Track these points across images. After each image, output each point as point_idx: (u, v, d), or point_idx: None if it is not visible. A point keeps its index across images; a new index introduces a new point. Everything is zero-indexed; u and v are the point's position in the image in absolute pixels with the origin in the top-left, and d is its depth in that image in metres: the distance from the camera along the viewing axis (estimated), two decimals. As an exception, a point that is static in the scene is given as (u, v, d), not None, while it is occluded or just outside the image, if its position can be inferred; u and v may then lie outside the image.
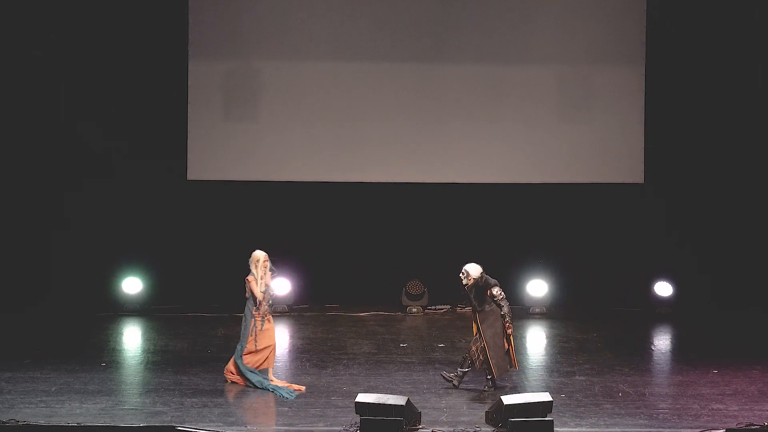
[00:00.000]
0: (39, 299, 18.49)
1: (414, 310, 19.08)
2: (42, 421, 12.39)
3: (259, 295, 14.29)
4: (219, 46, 18.87)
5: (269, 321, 14.44)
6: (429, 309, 19.25)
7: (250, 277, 14.36)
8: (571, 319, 18.62)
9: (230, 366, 14.40)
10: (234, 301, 18.40)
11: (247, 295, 14.38)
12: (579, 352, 16.33)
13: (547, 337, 17.69)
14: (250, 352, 14.29)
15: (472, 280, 14.19)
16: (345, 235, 19.20)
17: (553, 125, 19.18)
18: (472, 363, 14.24)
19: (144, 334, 17.54)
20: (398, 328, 18.06)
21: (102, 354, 15.95)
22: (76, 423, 12.36)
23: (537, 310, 19.11)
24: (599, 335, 17.48)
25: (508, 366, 14.26)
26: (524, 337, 17.69)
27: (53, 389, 13.84)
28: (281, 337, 17.66)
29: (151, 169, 18.94)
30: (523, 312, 19.10)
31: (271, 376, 14.36)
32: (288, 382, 14.35)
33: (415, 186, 19.22)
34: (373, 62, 19.03)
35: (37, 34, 18.60)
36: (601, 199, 19.34)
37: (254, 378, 14.17)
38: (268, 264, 14.42)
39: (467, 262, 14.33)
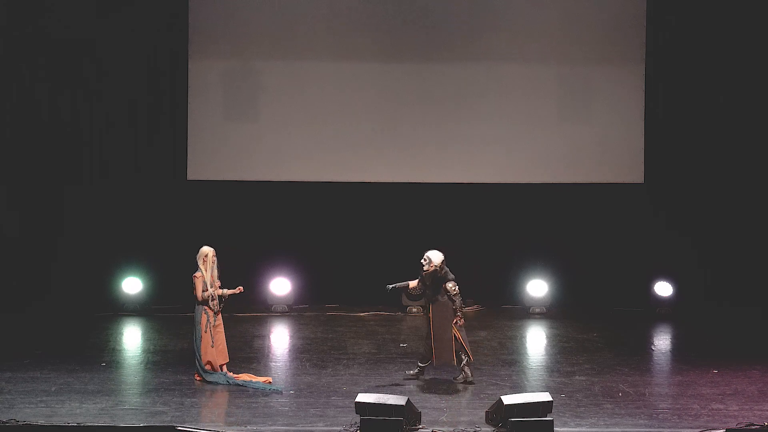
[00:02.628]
0: (39, 299, 18.50)
1: (414, 310, 19.08)
2: (42, 421, 12.39)
3: (199, 296, 14.29)
4: (219, 46, 18.88)
5: (219, 316, 14.47)
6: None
7: (197, 274, 14.35)
8: (571, 319, 18.62)
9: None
10: (233, 301, 18.46)
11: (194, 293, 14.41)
12: (579, 352, 16.33)
13: (547, 337, 17.69)
14: (208, 352, 14.30)
15: (432, 267, 14.39)
16: (345, 235, 19.20)
17: (553, 125, 19.19)
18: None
19: (144, 334, 17.54)
20: (398, 328, 18.06)
21: (102, 354, 15.95)
22: (76, 423, 12.35)
23: (537, 310, 19.11)
24: (599, 335, 17.48)
25: (450, 359, 14.39)
26: (524, 337, 17.70)
27: (53, 389, 13.84)
28: (281, 337, 17.69)
29: (151, 169, 18.95)
30: (523, 312, 19.12)
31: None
32: (251, 375, 14.42)
33: (415, 186, 19.23)
34: (373, 62, 19.04)
35: (37, 33, 18.60)
36: (601, 199, 19.35)
37: (221, 379, 14.21)
38: (216, 260, 14.43)
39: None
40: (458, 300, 14.38)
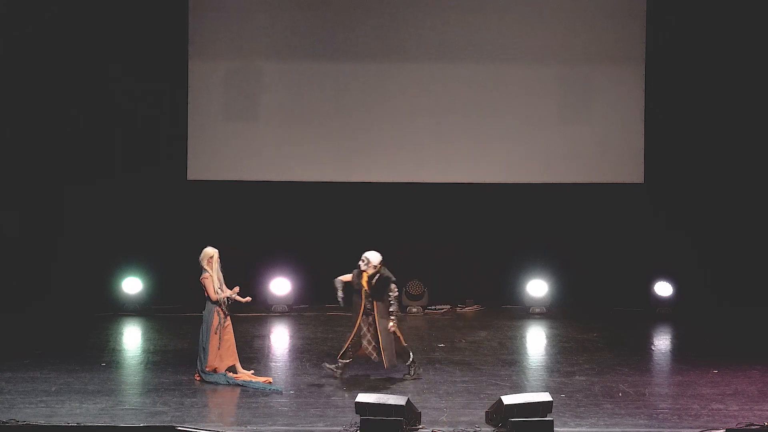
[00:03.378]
0: (39, 299, 18.50)
1: (414, 310, 19.09)
2: (42, 421, 12.38)
3: (213, 296, 14.28)
4: (219, 46, 18.87)
5: (228, 317, 14.47)
6: (429, 309, 19.26)
7: (206, 275, 14.32)
8: (571, 319, 18.62)
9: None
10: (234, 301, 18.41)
11: (206, 294, 14.38)
12: (579, 352, 16.33)
13: (547, 337, 17.69)
14: (213, 353, 14.28)
15: (373, 268, 14.39)
16: (345, 235, 19.19)
17: (553, 125, 19.19)
18: (357, 356, 14.54)
19: (144, 334, 17.54)
20: (398, 328, 18.01)
21: (102, 354, 15.95)
22: (76, 423, 12.35)
23: (537, 310, 19.11)
24: (599, 335, 17.48)
25: (395, 360, 14.44)
26: (524, 337, 17.70)
27: (53, 389, 13.84)
28: (281, 337, 17.69)
29: (151, 169, 18.95)
30: (523, 312, 19.12)
31: (239, 369, 14.44)
32: (251, 374, 14.42)
33: (415, 186, 19.23)
34: (373, 62, 19.04)
35: (36, 31, 18.60)
36: (601, 199, 19.35)
37: (221, 379, 14.20)
38: (219, 261, 14.43)
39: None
40: (396, 304, 14.40)
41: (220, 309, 14.35)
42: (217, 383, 14.16)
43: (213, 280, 14.30)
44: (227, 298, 14.36)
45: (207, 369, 14.29)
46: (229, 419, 12.94)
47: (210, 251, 14.41)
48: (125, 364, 15.57)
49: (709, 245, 19.37)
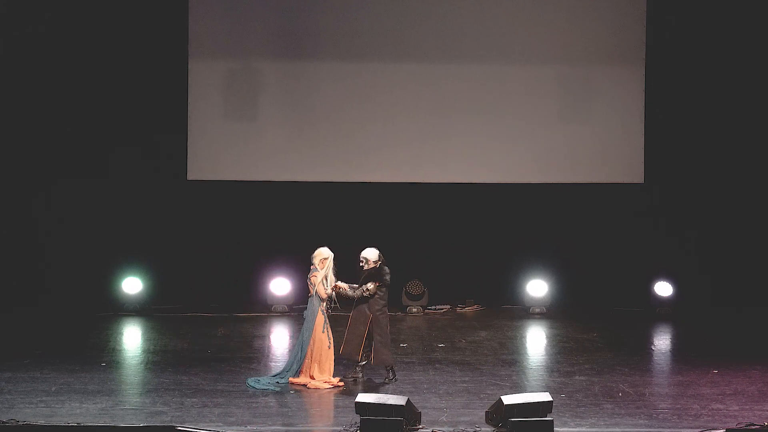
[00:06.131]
0: (39, 299, 18.50)
1: (414, 310, 19.09)
2: (42, 421, 12.38)
3: (323, 295, 14.22)
4: (219, 46, 18.87)
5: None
6: (429, 309, 19.26)
7: (315, 273, 14.23)
8: (571, 319, 18.62)
9: (312, 377, 14.27)
10: (233, 301, 18.44)
11: (312, 293, 14.32)
12: (579, 352, 16.33)
13: (547, 337, 17.69)
14: (323, 354, 14.19)
15: (372, 263, 14.32)
16: (345, 235, 19.15)
17: (553, 125, 19.19)
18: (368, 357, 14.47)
19: (144, 334, 17.54)
20: (398, 328, 18.04)
21: (102, 354, 15.95)
22: (76, 423, 12.35)
23: (537, 310, 19.11)
24: (599, 335, 17.48)
25: (355, 353, 14.31)
26: (524, 337, 17.70)
27: (53, 389, 13.84)
28: (281, 337, 17.69)
29: (151, 168, 18.95)
30: (523, 312, 19.12)
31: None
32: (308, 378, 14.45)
33: (416, 186, 19.23)
34: (374, 62, 19.04)
35: (36, 31, 18.60)
36: (601, 199, 19.35)
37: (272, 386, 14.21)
38: (334, 266, 14.35)
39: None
40: (352, 293, 14.20)
41: (323, 309, 14.27)
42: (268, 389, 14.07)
43: (325, 281, 14.23)
44: (329, 296, 14.27)
45: (304, 371, 14.18)
46: (229, 419, 12.93)
47: (325, 252, 14.30)
48: (125, 364, 15.58)
49: (709, 245, 19.38)
